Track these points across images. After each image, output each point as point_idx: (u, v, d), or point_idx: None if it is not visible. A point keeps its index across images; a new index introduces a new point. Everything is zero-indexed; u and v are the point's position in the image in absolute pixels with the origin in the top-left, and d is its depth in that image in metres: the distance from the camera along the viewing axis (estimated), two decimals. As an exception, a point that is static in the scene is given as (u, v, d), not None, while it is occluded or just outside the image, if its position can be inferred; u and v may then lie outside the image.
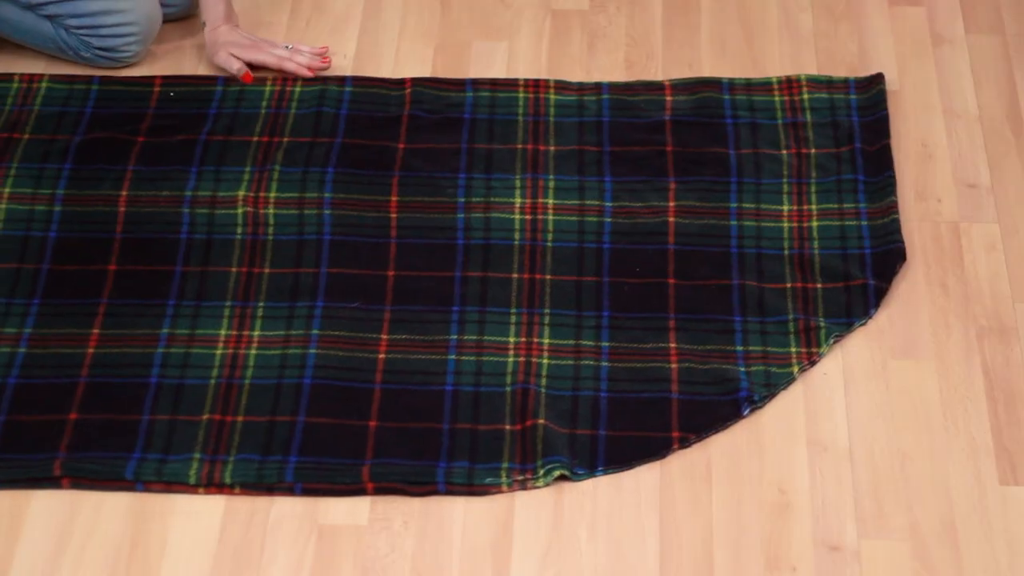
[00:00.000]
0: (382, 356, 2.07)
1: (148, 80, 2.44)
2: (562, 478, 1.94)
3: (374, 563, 1.87)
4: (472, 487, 1.93)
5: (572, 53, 2.51)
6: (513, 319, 2.11)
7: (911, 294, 2.14)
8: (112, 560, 1.88)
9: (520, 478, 1.94)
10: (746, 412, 2.00)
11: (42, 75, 2.45)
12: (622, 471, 1.96)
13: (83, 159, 2.32)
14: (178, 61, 2.50)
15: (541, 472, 1.94)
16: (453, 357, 2.07)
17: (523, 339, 2.09)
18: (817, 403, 2.02)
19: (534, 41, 2.53)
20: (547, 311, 2.12)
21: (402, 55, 2.51)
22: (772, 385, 2.03)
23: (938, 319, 2.11)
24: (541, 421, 1.98)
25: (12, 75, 2.45)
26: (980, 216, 2.24)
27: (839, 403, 2.02)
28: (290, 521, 1.91)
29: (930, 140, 2.35)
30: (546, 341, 2.08)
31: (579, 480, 1.94)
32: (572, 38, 2.54)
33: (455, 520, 1.91)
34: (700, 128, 2.35)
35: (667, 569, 1.86)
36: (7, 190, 2.28)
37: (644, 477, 1.95)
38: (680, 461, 1.97)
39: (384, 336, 2.09)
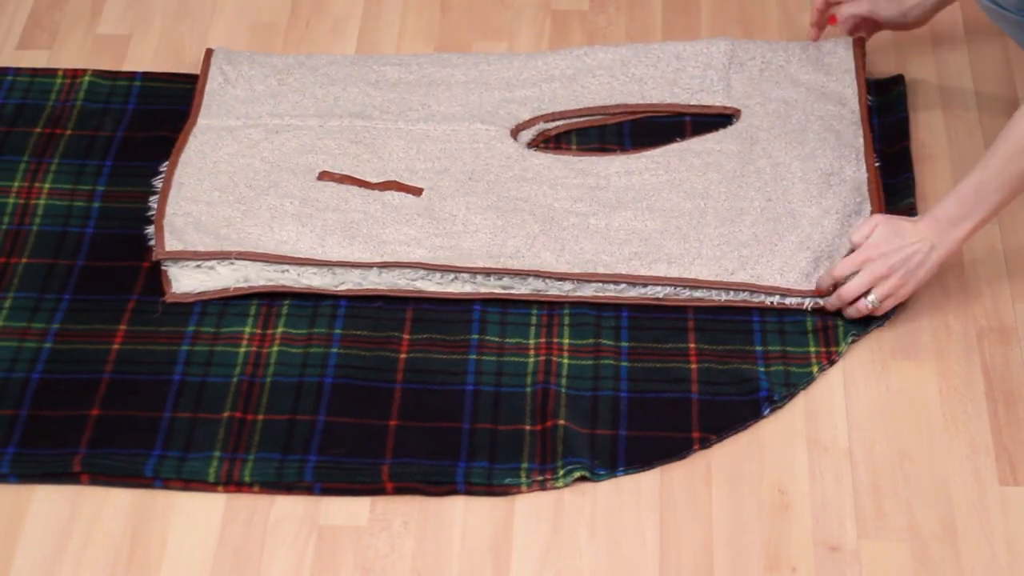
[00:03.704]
0: (403, 356, 2.07)
1: (191, 78, 2.45)
2: (582, 479, 1.94)
3: (374, 563, 1.87)
4: (491, 487, 1.93)
5: (572, 53, 2.51)
6: (533, 320, 2.11)
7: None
8: (112, 559, 1.88)
9: (540, 478, 1.93)
10: (766, 412, 2.00)
11: (85, 70, 2.46)
12: (643, 471, 1.95)
13: (124, 156, 2.33)
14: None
15: (561, 473, 1.93)
16: (474, 357, 2.07)
17: (543, 340, 2.08)
18: (817, 403, 2.02)
19: (534, 41, 2.53)
20: (567, 311, 2.12)
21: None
22: (792, 385, 2.02)
23: (938, 319, 2.11)
24: (561, 422, 1.98)
25: (56, 70, 2.47)
26: (980, 216, 2.23)
27: (839, 403, 2.02)
28: (290, 521, 1.91)
29: (930, 140, 2.35)
30: (566, 341, 2.08)
31: (599, 480, 1.94)
32: (572, 38, 2.54)
33: (455, 520, 1.91)
34: (714, 128, 2.35)
35: (667, 569, 1.86)
36: (47, 186, 2.29)
37: (644, 477, 1.95)
38: (680, 462, 1.97)
39: (406, 336, 2.09)
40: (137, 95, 2.43)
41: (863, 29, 2.42)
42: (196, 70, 2.48)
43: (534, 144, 2.34)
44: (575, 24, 2.56)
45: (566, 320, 2.11)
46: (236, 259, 2.14)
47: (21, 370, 2.06)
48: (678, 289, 2.11)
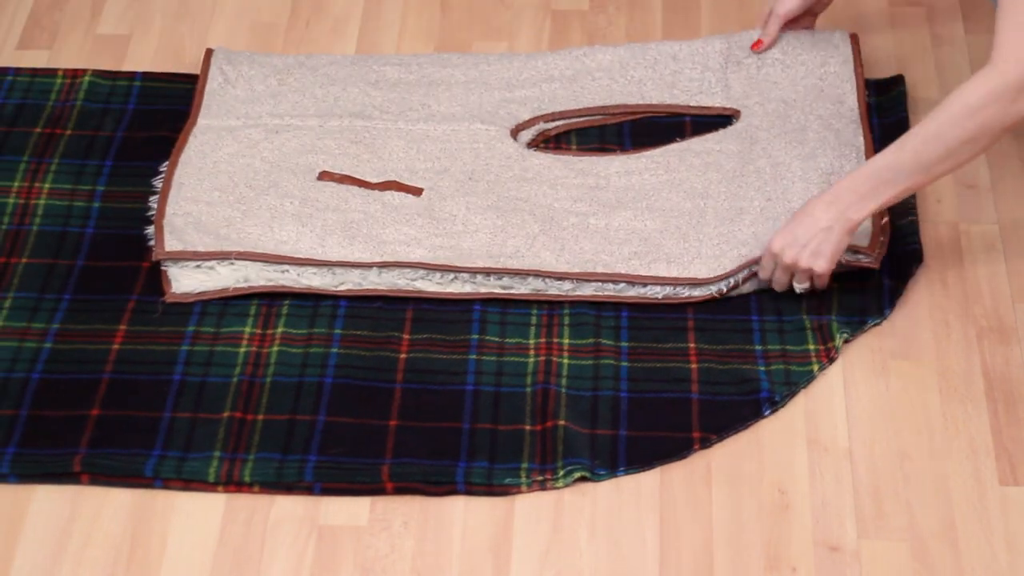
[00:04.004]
0: (403, 356, 2.06)
1: (191, 78, 2.45)
2: (582, 479, 1.94)
3: (374, 563, 1.87)
4: (491, 487, 1.93)
5: (572, 53, 2.51)
6: (533, 320, 2.11)
7: (911, 294, 2.14)
8: (112, 559, 1.88)
9: (540, 478, 1.93)
10: (767, 412, 2.00)
11: (85, 70, 2.46)
12: (643, 471, 1.95)
13: (124, 156, 2.33)
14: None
15: (561, 473, 1.93)
16: (474, 357, 2.06)
17: (543, 340, 2.08)
18: (817, 403, 2.02)
19: (534, 41, 2.53)
20: (567, 311, 2.11)
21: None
22: (793, 384, 2.02)
23: (938, 319, 2.11)
24: (562, 422, 1.98)
25: (56, 70, 2.47)
26: (980, 216, 2.24)
27: (839, 403, 2.02)
28: (290, 521, 1.91)
29: (930, 140, 2.34)
30: (566, 341, 2.08)
31: (600, 480, 1.94)
32: (572, 38, 2.54)
33: (455, 520, 1.91)
34: (713, 128, 2.35)
35: (667, 569, 1.86)
36: (47, 186, 2.29)
37: (644, 477, 1.95)
38: (680, 462, 1.97)
39: (406, 336, 2.09)
40: (137, 95, 2.43)
41: (797, 25, 2.43)
42: (196, 70, 2.48)
43: (534, 144, 2.34)
44: (575, 24, 2.56)
45: (566, 320, 2.10)
46: (236, 259, 2.14)
47: (21, 370, 2.06)
48: (678, 288, 2.11)
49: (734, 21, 2.55)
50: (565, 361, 2.06)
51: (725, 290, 2.11)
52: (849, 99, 2.34)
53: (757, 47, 2.40)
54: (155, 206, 2.24)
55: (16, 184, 2.29)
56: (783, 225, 2.07)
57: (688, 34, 2.53)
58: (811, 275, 2.06)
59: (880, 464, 1.95)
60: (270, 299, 2.13)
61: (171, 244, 2.16)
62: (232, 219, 2.20)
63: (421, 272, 2.13)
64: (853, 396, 2.03)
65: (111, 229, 2.23)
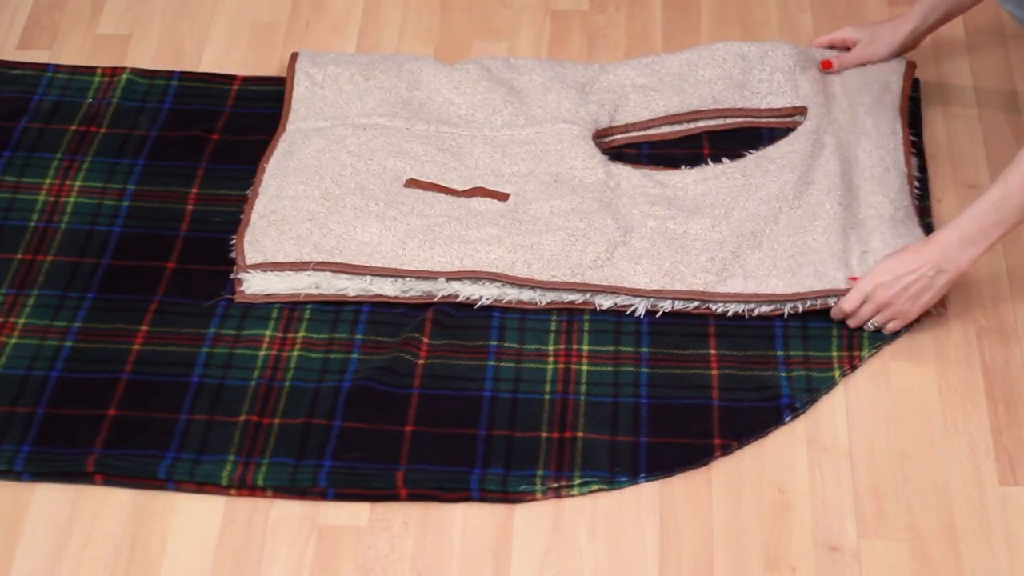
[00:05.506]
0: (422, 361, 2.05)
1: (227, 78, 2.44)
2: (599, 490, 1.93)
3: (374, 563, 1.87)
4: (507, 494, 1.91)
5: (572, 53, 2.51)
6: (553, 326, 2.10)
7: (911, 294, 2.14)
8: (112, 560, 1.88)
9: (555, 485, 1.92)
10: (787, 419, 1.99)
11: (124, 68, 2.45)
12: (664, 478, 1.94)
13: (157, 155, 2.33)
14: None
15: (577, 481, 1.92)
16: (492, 363, 2.05)
17: (562, 346, 2.07)
18: (817, 403, 2.02)
19: (534, 41, 2.53)
20: (586, 317, 2.10)
21: (402, 55, 2.51)
22: (813, 390, 2.01)
23: (938, 319, 2.11)
24: (580, 434, 1.97)
25: (95, 68, 2.46)
26: (980, 216, 2.23)
27: (839, 403, 2.02)
28: (290, 521, 1.91)
29: (930, 140, 2.34)
30: (585, 348, 2.07)
31: (620, 488, 1.93)
32: (572, 38, 2.54)
33: (455, 520, 1.91)
34: (731, 133, 2.34)
35: (667, 569, 1.86)
36: (78, 184, 2.28)
37: (644, 477, 1.95)
38: (680, 461, 1.97)
39: (425, 339, 2.07)
40: (174, 95, 2.42)
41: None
42: (196, 69, 2.48)
43: (611, 147, 2.32)
44: (575, 24, 2.56)
45: (586, 327, 2.09)
46: (313, 270, 2.13)
47: (41, 368, 2.05)
48: (752, 305, 2.09)
49: (734, 21, 2.55)
50: (584, 368, 2.05)
51: (801, 309, 2.09)
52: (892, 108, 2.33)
53: (827, 68, 2.39)
54: (242, 215, 2.23)
55: (47, 181, 2.29)
56: (880, 263, 2.05)
57: (688, 35, 2.53)
58: (888, 320, 2.05)
59: (880, 464, 1.95)
60: (292, 303, 2.13)
61: (251, 257, 2.15)
62: (317, 214, 2.19)
63: (498, 282, 2.11)
64: (853, 396, 2.03)
65: (139, 228, 2.23)
